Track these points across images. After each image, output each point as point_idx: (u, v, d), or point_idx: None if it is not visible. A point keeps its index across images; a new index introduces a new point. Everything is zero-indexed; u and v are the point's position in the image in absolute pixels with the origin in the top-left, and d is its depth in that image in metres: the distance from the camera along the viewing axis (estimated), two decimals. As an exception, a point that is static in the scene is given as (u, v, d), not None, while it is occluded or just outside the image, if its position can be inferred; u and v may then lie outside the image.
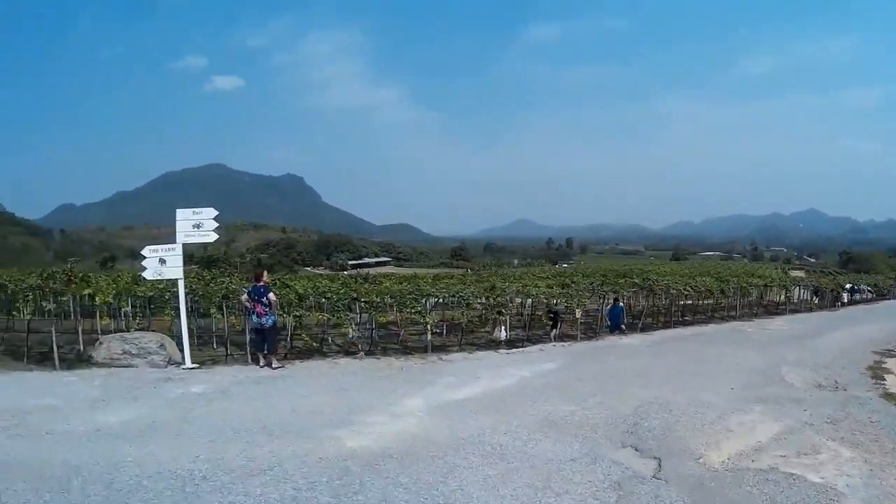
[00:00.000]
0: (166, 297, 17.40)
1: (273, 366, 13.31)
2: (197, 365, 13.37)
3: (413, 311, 18.09)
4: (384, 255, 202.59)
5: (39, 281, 15.89)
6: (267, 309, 13.33)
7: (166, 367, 13.19)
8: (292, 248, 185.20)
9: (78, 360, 13.89)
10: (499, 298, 19.86)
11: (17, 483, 6.44)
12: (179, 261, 13.74)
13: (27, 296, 16.17)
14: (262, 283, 13.67)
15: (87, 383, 11.52)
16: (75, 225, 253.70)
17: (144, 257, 13.66)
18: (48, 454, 7.40)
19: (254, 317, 13.36)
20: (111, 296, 15.97)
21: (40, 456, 7.33)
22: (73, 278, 15.54)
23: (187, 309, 14.61)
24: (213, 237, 14.30)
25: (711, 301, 29.50)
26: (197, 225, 13.96)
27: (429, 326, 16.74)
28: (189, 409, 9.74)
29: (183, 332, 13.62)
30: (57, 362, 13.06)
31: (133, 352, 13.27)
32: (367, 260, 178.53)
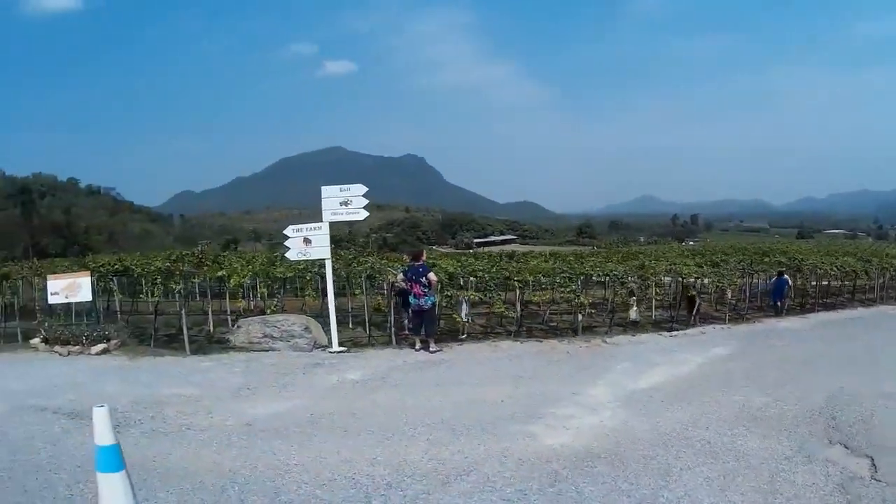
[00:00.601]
0: (307, 277, 16.99)
1: (431, 349, 12.53)
2: (344, 348, 12.78)
3: (567, 290, 16.75)
4: (509, 233, 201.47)
5: (168, 264, 15.49)
6: (426, 290, 12.54)
7: (311, 350, 12.59)
8: (417, 227, 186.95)
9: (208, 342, 13.69)
10: (650, 277, 18.55)
11: (161, 492, 5.44)
12: (326, 240, 13.17)
13: (155, 279, 15.74)
14: (420, 263, 12.90)
15: (227, 369, 10.95)
16: (194, 211, 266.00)
17: (287, 237, 13.18)
18: (193, 455, 6.42)
19: (411, 297, 12.66)
20: (246, 277, 15.38)
21: (184, 457, 6.37)
22: (203, 260, 15.05)
23: (325, 289, 13.94)
24: (363, 215, 13.52)
25: (849, 283, 26.72)
26: (345, 202, 13.23)
27: (584, 306, 15.49)
28: (351, 400, 8.77)
29: (331, 313, 13.01)
30: (187, 346, 12.70)
31: (275, 335, 12.73)
32: (492, 238, 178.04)
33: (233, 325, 14.47)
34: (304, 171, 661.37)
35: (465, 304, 14.92)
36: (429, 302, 12.61)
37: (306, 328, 12.98)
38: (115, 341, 13.78)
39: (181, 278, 14.77)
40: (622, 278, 17.94)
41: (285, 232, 13.31)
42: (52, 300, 14.88)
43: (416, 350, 12.58)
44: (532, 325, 16.57)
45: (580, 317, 15.51)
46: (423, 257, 13.38)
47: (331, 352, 12.50)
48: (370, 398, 8.87)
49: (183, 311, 13.27)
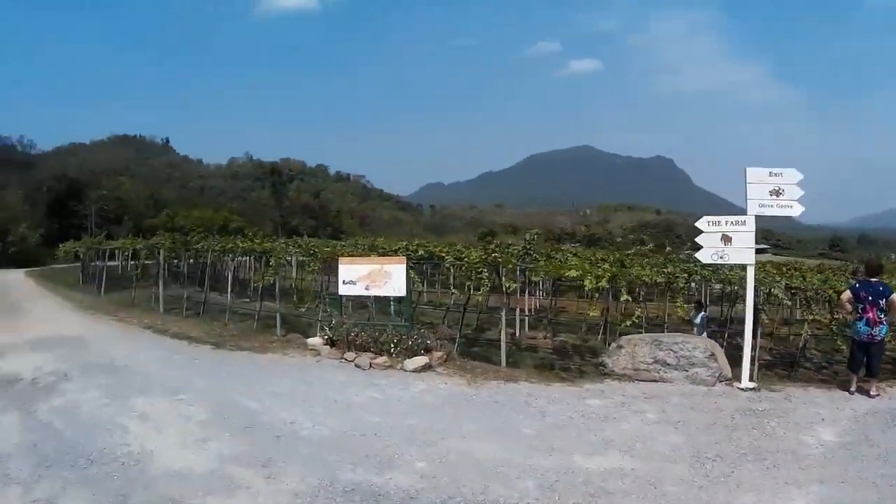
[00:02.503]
0: (679, 283, 15.51)
1: (872, 393, 10.52)
2: (754, 384, 11.00)
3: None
4: (763, 242, 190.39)
5: (493, 254, 14.10)
6: (882, 315, 10.54)
7: (714, 384, 10.99)
8: (671, 229, 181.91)
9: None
10: None
11: None
12: (751, 239, 11.34)
13: (479, 273, 14.36)
14: (876, 279, 10.88)
15: (636, 413, 9.35)
16: (442, 202, 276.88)
17: (700, 231, 11.64)
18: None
19: (860, 324, 10.70)
20: (605, 280, 13.48)
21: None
22: (529, 252, 13.69)
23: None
24: (798, 210, 11.33)
25: None
26: (776, 191, 11.17)
27: None
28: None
29: (746, 337, 11.25)
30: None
31: (669, 361, 11.24)
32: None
33: (607, 343, 13.52)
34: (553, 169, 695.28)
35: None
36: (882, 332, 10.59)
37: (711, 355, 11.23)
38: (438, 354, 12.47)
39: (512, 272, 13.90)
40: None
41: (698, 224, 11.71)
42: (343, 290, 14.08)
43: (851, 393, 10.61)
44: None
45: None
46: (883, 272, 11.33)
47: (739, 388, 10.74)
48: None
49: (502, 316, 12.70)
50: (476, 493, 6.27)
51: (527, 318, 20.16)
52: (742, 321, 11.64)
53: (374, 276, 13.53)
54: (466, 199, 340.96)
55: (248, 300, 22.82)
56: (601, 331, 16.79)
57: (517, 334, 14.53)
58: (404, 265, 13.58)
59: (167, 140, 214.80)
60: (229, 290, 20.96)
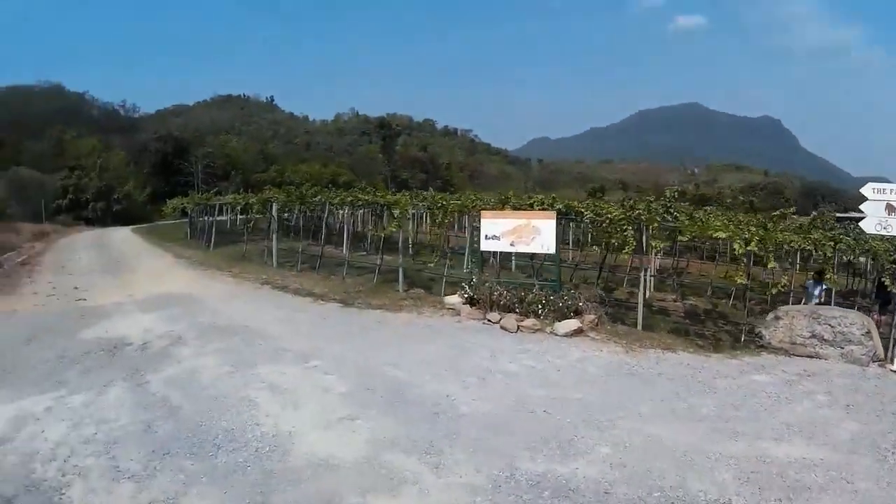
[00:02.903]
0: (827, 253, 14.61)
1: None
2: None
3: None
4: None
5: (624, 211, 12.95)
6: None
7: (868, 364, 9.97)
8: (779, 192, 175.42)
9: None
10: None
11: None
12: None
13: (623, 230, 13.19)
14: None
15: (804, 392, 8.42)
16: (549, 157, 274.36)
17: (864, 198, 10.74)
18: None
19: None
20: (754, 243, 12.19)
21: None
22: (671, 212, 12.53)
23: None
24: None
25: None
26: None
27: None
28: None
29: None
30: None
31: (826, 336, 10.28)
32: (851, 214, 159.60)
33: (764, 315, 12.13)
34: (660, 126, 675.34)
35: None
36: None
37: (867, 332, 10.23)
38: (589, 317, 11.35)
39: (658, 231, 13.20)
40: None
41: (863, 191, 10.81)
42: (485, 246, 13.06)
43: None
44: None
45: None
46: None
47: (892, 370, 9.74)
48: None
49: (641, 277, 12.33)
50: (675, 487, 5.43)
51: (652, 278, 19.30)
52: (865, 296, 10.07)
53: (521, 232, 12.51)
54: (573, 154, 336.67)
55: (364, 254, 22.13)
56: (741, 297, 15.41)
57: (645, 295, 13.14)
58: (553, 220, 12.51)
59: (272, 98, 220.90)
60: (345, 243, 20.18)
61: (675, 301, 16.82)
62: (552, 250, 12.49)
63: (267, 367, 8.63)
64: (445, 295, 13.52)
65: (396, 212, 16.08)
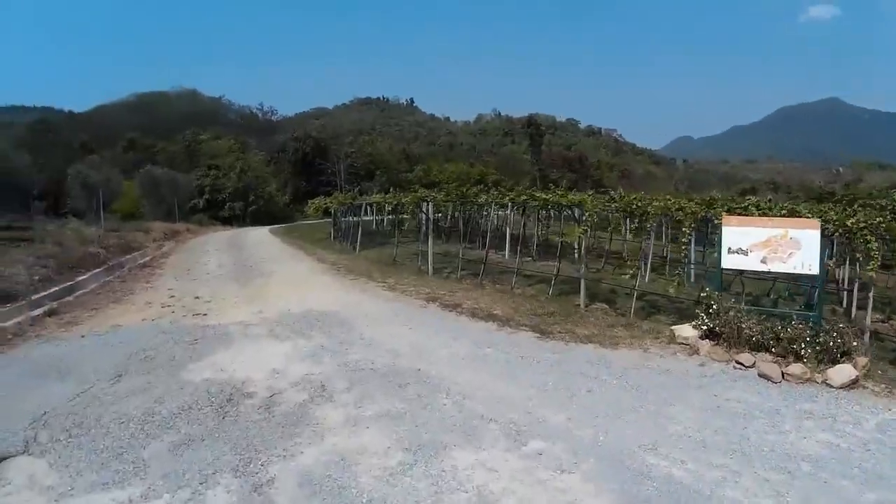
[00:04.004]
0: None
1: None
2: None
3: None
4: None
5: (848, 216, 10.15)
6: None
7: None
8: None
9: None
10: None
11: None
12: None
13: (867, 241, 10.16)
14: None
15: None
16: (692, 156, 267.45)
17: None
18: None
19: None
20: None
21: None
22: None
23: None
24: None
25: None
26: None
27: None
28: None
29: None
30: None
31: None
32: None
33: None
34: (800, 122, 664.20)
35: None
36: None
37: None
38: (862, 360, 8.70)
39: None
40: None
41: None
42: (729, 262, 10.07)
43: None
44: None
45: None
46: None
47: None
48: None
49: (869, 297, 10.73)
50: None
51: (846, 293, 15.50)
52: None
53: (776, 245, 9.66)
54: (716, 154, 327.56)
55: (529, 259, 19.73)
56: None
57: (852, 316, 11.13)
58: (818, 231, 9.53)
59: (412, 100, 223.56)
60: (507, 247, 19.11)
61: (884, 322, 13.37)
62: (815, 269, 9.44)
63: (465, 453, 5.83)
64: (636, 312, 11.39)
65: (586, 215, 13.21)
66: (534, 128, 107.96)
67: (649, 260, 17.51)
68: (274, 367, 8.53)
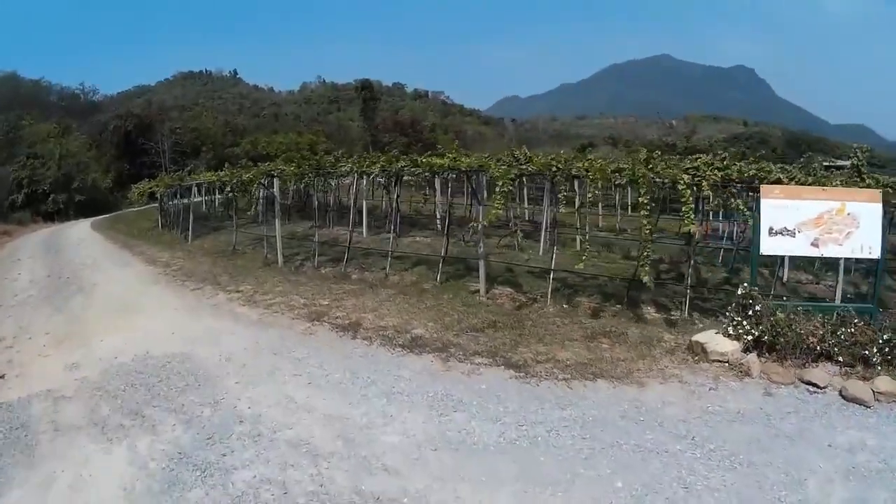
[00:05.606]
0: None
1: None
2: None
3: None
4: (848, 158, 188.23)
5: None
6: None
7: None
8: (764, 142, 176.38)
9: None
10: None
11: None
12: None
13: None
14: None
15: None
16: (520, 115, 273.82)
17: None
18: None
19: None
20: None
21: None
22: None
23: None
24: None
25: None
26: None
27: None
28: None
29: None
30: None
31: None
32: (839, 162, 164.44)
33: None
34: (631, 79, 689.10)
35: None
36: None
37: None
38: None
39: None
40: None
41: None
42: (769, 246, 7.56)
43: None
44: None
45: None
46: None
47: None
48: None
49: None
50: None
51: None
52: None
53: (829, 223, 7.28)
54: (545, 112, 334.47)
55: (388, 236, 16.47)
56: None
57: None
58: (879, 203, 7.30)
59: (235, 72, 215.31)
60: (364, 225, 18.83)
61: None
62: (876, 253, 7.17)
63: None
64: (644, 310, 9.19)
65: (500, 184, 9.85)
66: (367, 91, 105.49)
67: (545, 230, 15.80)
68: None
